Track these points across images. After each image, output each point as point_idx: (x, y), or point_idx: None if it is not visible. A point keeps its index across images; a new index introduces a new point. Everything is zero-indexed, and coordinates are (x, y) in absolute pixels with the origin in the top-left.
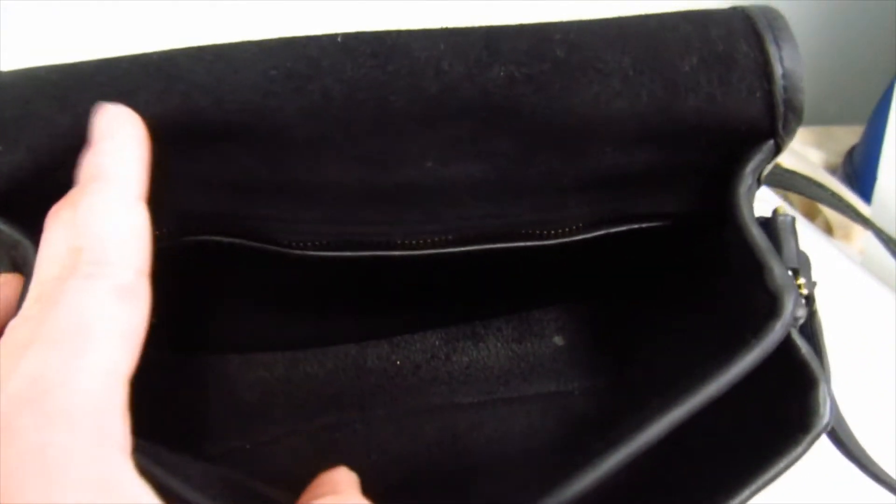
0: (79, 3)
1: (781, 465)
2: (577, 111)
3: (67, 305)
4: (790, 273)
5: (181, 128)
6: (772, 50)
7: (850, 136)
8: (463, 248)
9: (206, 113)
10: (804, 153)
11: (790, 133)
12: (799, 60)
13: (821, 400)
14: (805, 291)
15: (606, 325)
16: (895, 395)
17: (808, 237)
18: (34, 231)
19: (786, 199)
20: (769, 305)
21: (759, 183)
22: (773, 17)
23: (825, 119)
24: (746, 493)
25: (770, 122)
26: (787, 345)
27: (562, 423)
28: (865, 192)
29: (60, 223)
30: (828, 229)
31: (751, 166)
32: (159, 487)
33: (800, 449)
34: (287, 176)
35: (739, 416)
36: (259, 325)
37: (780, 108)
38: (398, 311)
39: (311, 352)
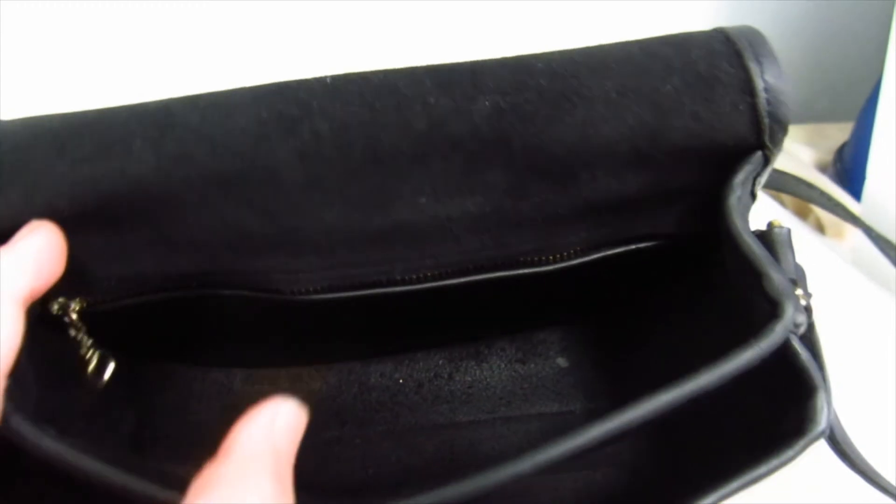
0: (79, 3)
1: (772, 464)
2: (564, 138)
3: None
4: (789, 281)
5: (175, 181)
6: (752, 66)
7: (840, 133)
8: (462, 280)
9: (199, 158)
10: (795, 151)
11: (777, 144)
12: (781, 75)
13: (818, 407)
14: (803, 302)
15: (610, 346)
16: (888, 392)
17: (799, 236)
18: None
19: (777, 199)
20: (770, 311)
21: (753, 196)
22: (752, 36)
23: (816, 116)
24: (732, 485)
25: (756, 136)
26: (787, 351)
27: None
28: (856, 190)
29: None
30: (819, 228)
31: (740, 177)
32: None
33: (791, 452)
34: (283, 226)
35: (737, 416)
36: (263, 350)
37: (766, 121)
38: (401, 334)
39: (314, 367)
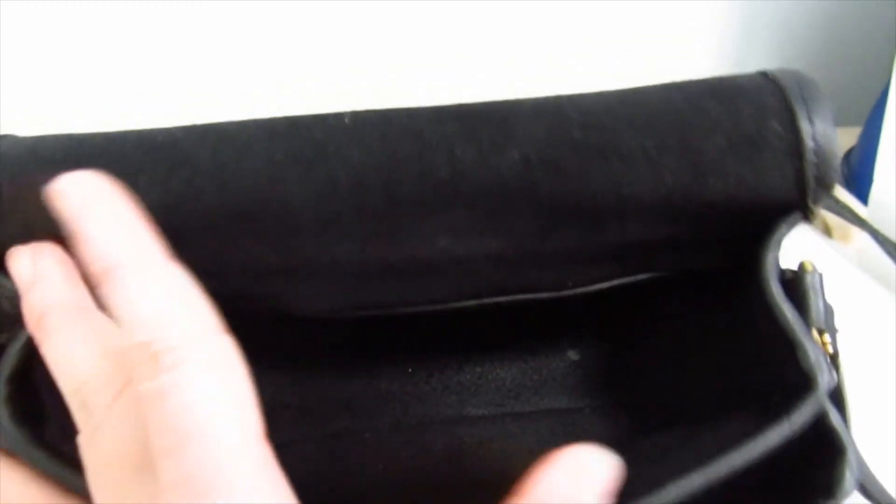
0: (78, 3)
1: None
2: (596, 192)
3: (165, 413)
4: (818, 334)
5: (181, 216)
6: (804, 126)
7: (847, 137)
8: (478, 302)
9: (208, 199)
10: None
11: (818, 204)
12: (833, 136)
13: (847, 470)
14: (831, 350)
15: (621, 342)
16: (893, 394)
17: (806, 238)
18: None
19: None
20: (801, 381)
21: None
22: (806, 86)
23: None
24: None
25: (800, 198)
26: (817, 413)
27: (569, 442)
28: (862, 194)
29: (75, 336)
30: (826, 230)
31: (777, 237)
32: None
33: None
34: (297, 260)
35: (763, 474)
36: (270, 345)
37: (811, 185)
38: (412, 337)
39: (323, 357)
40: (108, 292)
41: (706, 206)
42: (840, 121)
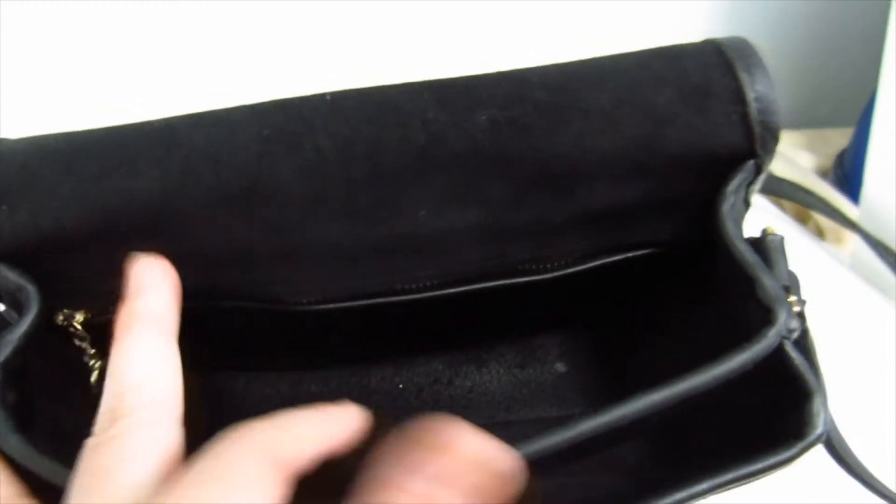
0: (79, 3)
1: (769, 461)
2: (561, 151)
3: (113, 451)
4: (781, 287)
5: (180, 199)
6: (744, 77)
7: (841, 138)
8: (461, 289)
9: (204, 176)
10: (795, 157)
11: (769, 153)
12: (771, 85)
13: (815, 411)
14: (797, 309)
15: (608, 350)
16: (886, 397)
17: (799, 241)
18: (36, 276)
19: (777, 204)
20: (762, 316)
21: (747, 204)
22: (743, 46)
23: (816, 122)
24: (726, 476)
25: (749, 145)
26: (782, 356)
27: None
28: (856, 195)
29: (147, 351)
30: (819, 233)
31: (733, 185)
32: None
33: (791, 452)
34: (287, 241)
35: (736, 421)
36: (265, 354)
37: (757, 130)
38: (401, 339)
39: (315, 371)
40: (115, 339)
41: (664, 156)
42: (833, 121)
